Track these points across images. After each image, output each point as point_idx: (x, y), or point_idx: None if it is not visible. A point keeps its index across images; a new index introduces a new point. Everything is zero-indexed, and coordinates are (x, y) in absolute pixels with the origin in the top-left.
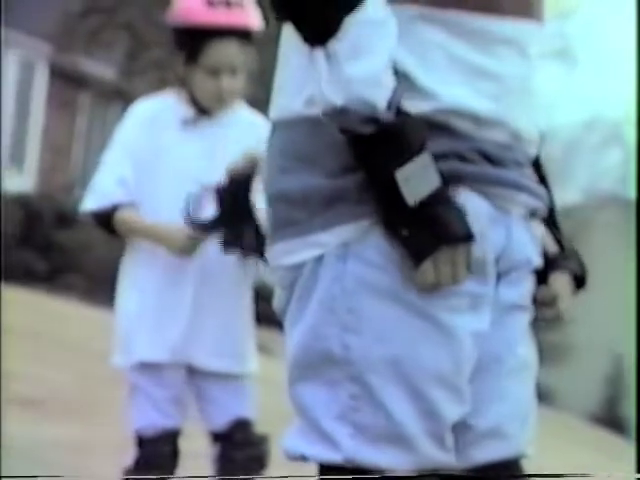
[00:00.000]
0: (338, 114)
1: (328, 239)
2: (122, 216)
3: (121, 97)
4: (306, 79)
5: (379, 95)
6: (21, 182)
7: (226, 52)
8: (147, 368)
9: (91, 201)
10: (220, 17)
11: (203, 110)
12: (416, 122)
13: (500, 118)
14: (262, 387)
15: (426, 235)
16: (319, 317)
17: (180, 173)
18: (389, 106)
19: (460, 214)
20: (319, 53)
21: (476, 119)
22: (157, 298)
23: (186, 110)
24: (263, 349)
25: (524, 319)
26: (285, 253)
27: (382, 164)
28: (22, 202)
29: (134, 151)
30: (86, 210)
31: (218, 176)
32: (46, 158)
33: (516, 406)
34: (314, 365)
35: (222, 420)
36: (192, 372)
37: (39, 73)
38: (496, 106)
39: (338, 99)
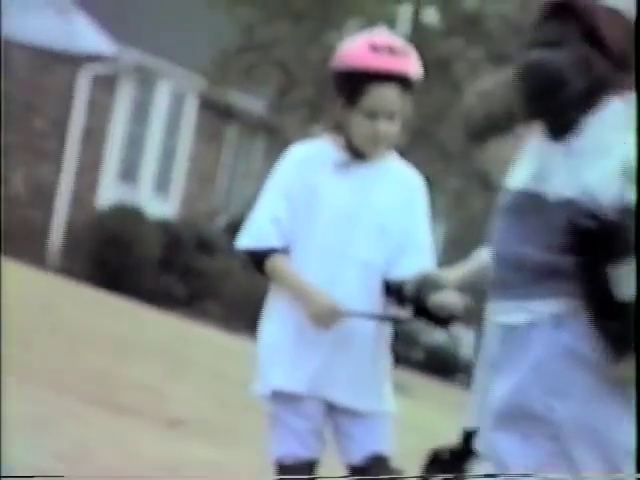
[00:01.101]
0: (565, 205)
1: (542, 308)
2: (274, 263)
3: (267, 131)
4: (544, 165)
5: (607, 194)
6: (165, 208)
7: (385, 96)
8: (284, 398)
9: (246, 240)
10: (383, 62)
11: (357, 154)
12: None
13: None
14: (398, 425)
15: (632, 335)
16: (527, 377)
17: (332, 215)
18: (618, 204)
19: None
20: (558, 147)
21: None
22: (298, 332)
23: (340, 154)
24: (399, 389)
25: None
26: (498, 312)
27: (598, 257)
28: (165, 227)
29: (289, 193)
30: (240, 248)
31: (367, 219)
32: (191, 186)
33: None
34: (514, 419)
35: (359, 455)
36: (330, 407)
37: (189, 104)
38: None
39: (568, 191)
